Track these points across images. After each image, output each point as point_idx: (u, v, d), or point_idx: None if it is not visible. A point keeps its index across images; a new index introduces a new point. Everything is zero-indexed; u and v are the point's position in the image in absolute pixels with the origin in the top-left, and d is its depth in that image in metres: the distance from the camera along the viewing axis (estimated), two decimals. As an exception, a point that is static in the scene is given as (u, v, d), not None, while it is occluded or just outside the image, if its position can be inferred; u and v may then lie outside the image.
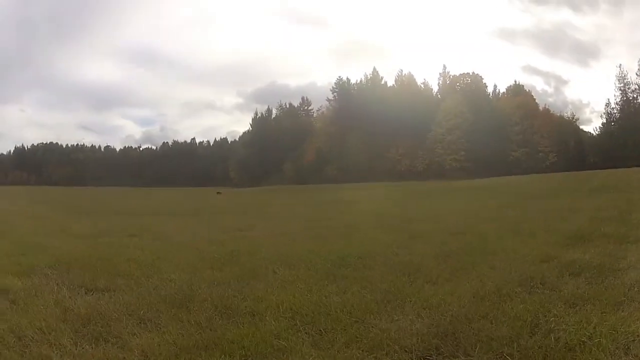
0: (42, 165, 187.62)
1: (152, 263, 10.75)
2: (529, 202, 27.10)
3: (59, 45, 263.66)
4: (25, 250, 12.63)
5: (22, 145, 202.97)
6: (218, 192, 77.07)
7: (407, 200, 38.99)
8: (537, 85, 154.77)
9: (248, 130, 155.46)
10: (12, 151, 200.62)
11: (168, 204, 46.30)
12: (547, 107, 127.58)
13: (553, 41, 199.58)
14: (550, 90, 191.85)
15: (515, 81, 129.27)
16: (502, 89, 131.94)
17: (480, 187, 51.53)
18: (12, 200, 52.47)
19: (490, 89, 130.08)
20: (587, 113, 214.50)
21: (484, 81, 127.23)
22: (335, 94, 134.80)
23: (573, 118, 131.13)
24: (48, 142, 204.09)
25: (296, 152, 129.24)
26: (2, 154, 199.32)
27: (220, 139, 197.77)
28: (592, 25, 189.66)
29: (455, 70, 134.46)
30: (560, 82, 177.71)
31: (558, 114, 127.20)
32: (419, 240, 13.67)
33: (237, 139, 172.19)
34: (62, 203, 47.28)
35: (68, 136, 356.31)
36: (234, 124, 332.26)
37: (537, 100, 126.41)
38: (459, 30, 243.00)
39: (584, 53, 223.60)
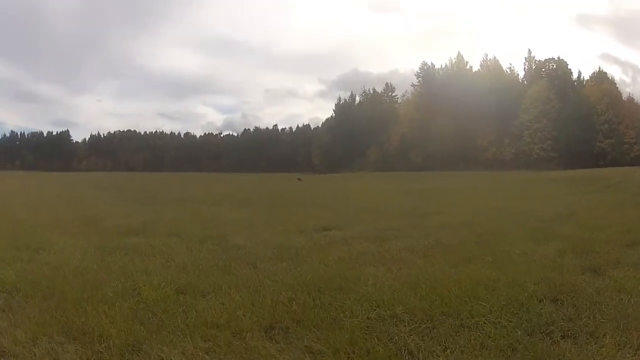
0: (118, 152, 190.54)
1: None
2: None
3: (136, 35, 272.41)
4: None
5: (98, 132, 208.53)
6: (298, 178, 74.77)
7: (514, 191, 33.92)
8: (614, 74, 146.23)
9: (331, 117, 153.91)
10: (87, 139, 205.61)
11: (242, 190, 42.64)
12: (631, 96, 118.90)
13: (631, 29, 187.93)
14: (628, 80, 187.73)
15: (599, 68, 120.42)
16: (585, 76, 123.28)
17: (579, 178, 46.45)
18: (69, 186, 50.39)
19: (574, 76, 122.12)
20: None
21: (569, 67, 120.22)
22: (420, 79, 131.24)
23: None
24: (125, 130, 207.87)
25: (380, 138, 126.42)
26: (77, 142, 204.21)
27: (303, 125, 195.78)
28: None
29: (539, 55, 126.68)
30: (637, 71, 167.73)
31: None
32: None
33: (319, 126, 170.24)
34: (122, 189, 43.52)
35: (146, 124, 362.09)
36: (316, 111, 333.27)
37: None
38: (538, 16, 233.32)
39: None
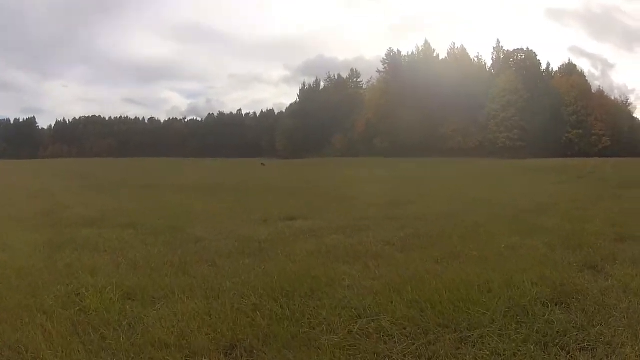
0: (83, 138, 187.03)
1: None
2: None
3: (103, 21, 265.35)
4: None
5: (63, 119, 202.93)
6: (262, 163, 74.09)
7: (486, 180, 33.30)
8: (584, 67, 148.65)
9: (295, 102, 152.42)
10: (52, 125, 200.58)
11: (205, 176, 41.43)
12: (601, 89, 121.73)
13: (601, 24, 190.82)
14: (597, 73, 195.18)
15: (569, 60, 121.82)
16: (554, 67, 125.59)
17: (549, 168, 46.28)
18: (32, 174, 48.57)
19: (543, 67, 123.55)
20: (632, 99, 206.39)
21: (537, 58, 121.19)
22: (386, 65, 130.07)
23: (627, 103, 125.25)
24: (90, 116, 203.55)
25: (345, 124, 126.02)
26: (42, 128, 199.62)
27: (267, 110, 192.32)
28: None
29: (508, 45, 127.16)
30: (607, 65, 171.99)
31: (613, 98, 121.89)
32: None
33: (283, 111, 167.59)
34: (86, 176, 41.91)
35: (112, 110, 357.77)
36: (280, 97, 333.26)
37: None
38: (508, 7, 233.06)
39: (631, 38, 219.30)
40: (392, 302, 5.60)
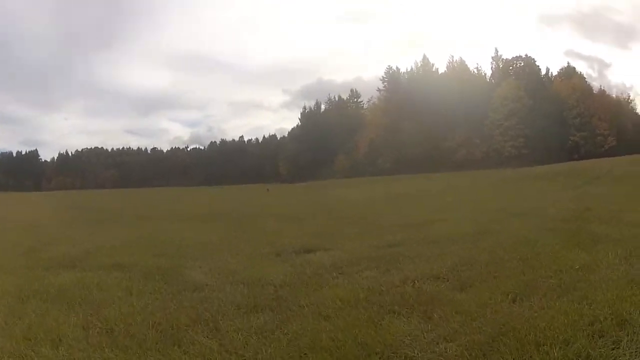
0: (87, 170, 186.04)
1: None
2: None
3: (100, 53, 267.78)
4: None
5: (66, 151, 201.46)
6: (267, 189, 72.60)
7: (502, 190, 31.48)
8: (581, 69, 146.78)
9: (297, 125, 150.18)
10: (55, 158, 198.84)
11: (208, 205, 39.51)
12: (602, 88, 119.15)
13: (593, 25, 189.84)
14: (594, 74, 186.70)
15: (567, 63, 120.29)
16: (553, 72, 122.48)
17: (561, 173, 44.65)
18: (30, 206, 46.62)
19: (542, 73, 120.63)
20: (631, 95, 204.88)
21: (537, 64, 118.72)
22: (385, 83, 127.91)
23: (628, 100, 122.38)
24: (93, 147, 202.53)
25: (347, 145, 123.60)
26: (45, 161, 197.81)
27: (269, 135, 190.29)
28: (630, 6, 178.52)
29: (506, 54, 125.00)
30: (603, 65, 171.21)
31: (614, 96, 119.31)
32: None
33: (285, 136, 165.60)
34: (85, 208, 40.01)
35: (114, 141, 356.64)
36: (281, 122, 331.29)
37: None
38: (501, 16, 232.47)
39: (624, 36, 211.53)
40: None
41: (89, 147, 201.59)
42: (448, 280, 7.52)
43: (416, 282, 7.47)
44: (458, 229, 13.25)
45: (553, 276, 7.09)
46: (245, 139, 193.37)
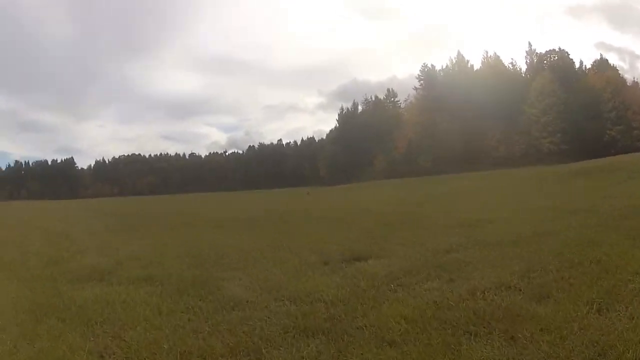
0: (124, 177, 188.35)
1: None
2: None
3: (132, 59, 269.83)
4: None
5: (103, 158, 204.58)
6: (307, 193, 70.91)
7: (546, 188, 30.35)
8: (612, 61, 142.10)
9: (335, 127, 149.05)
10: (92, 165, 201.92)
11: (247, 209, 38.01)
12: (635, 80, 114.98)
13: (623, 15, 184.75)
14: (625, 66, 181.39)
15: (600, 55, 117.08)
16: (586, 65, 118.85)
17: (603, 168, 41.75)
18: (63, 214, 45.27)
19: (575, 66, 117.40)
20: None
21: (570, 57, 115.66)
22: (421, 81, 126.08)
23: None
24: (130, 154, 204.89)
25: (386, 145, 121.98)
26: (82, 168, 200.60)
27: (307, 138, 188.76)
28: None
29: (539, 48, 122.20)
30: (634, 57, 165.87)
31: None
32: None
33: (323, 138, 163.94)
34: (120, 215, 38.97)
35: (150, 147, 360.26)
36: (318, 124, 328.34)
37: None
38: (529, 11, 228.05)
39: None
40: None
41: (125, 154, 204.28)
42: (521, 290, 6.63)
43: (486, 293, 6.55)
44: (514, 230, 12.27)
45: (632, 280, 6.56)
46: (284, 142, 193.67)
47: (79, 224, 29.40)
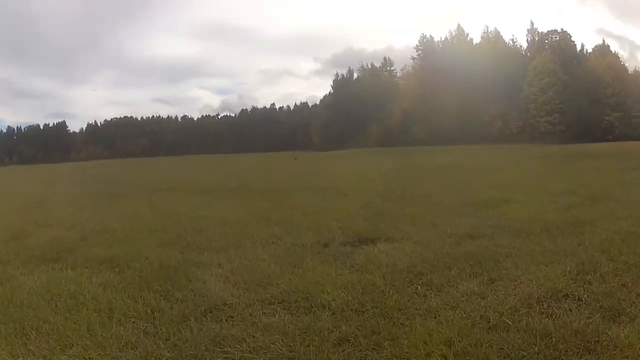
0: (116, 140, 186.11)
1: None
2: None
3: (127, 24, 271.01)
4: None
5: (95, 121, 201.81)
6: (295, 158, 70.07)
7: (552, 169, 29.22)
8: (612, 49, 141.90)
9: (329, 93, 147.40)
10: (84, 128, 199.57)
11: (236, 174, 36.77)
12: (637, 69, 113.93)
13: (627, 4, 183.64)
14: (625, 55, 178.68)
15: (603, 41, 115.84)
16: (588, 49, 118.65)
17: (606, 153, 41.31)
18: (48, 179, 44.37)
19: (577, 49, 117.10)
20: None
21: (572, 39, 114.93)
22: (419, 52, 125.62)
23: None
24: (122, 117, 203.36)
25: (380, 114, 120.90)
26: (74, 132, 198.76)
27: (300, 103, 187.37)
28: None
29: (540, 27, 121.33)
30: (634, 47, 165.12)
31: None
32: None
33: (317, 103, 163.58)
34: (108, 180, 37.01)
35: (143, 111, 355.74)
36: (312, 90, 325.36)
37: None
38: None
39: None
40: None
41: (118, 117, 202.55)
42: (583, 301, 5.09)
43: (543, 303, 5.00)
44: (538, 216, 10.63)
45: None
46: (277, 106, 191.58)
47: (58, 191, 27.83)
